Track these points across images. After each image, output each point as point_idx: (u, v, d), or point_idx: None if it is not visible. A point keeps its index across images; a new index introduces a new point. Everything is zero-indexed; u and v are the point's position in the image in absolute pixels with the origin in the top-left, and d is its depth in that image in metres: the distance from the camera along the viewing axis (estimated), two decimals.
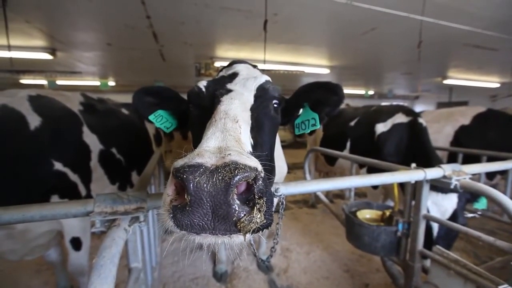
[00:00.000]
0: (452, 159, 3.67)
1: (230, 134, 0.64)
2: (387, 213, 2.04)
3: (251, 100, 0.93)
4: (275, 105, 1.02)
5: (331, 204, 2.91)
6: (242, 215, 0.50)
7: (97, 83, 9.53)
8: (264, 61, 4.82)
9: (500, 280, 1.24)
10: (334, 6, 3.45)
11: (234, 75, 1.05)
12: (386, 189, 2.99)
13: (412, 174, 1.52)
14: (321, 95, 1.08)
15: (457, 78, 9.24)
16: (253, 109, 0.90)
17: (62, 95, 2.18)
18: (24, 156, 1.65)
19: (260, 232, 0.55)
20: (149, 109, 1.09)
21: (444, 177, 1.51)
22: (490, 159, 2.75)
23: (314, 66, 7.49)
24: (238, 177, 0.47)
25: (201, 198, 0.48)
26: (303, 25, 4.53)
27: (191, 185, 0.47)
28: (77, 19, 4.08)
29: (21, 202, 0.93)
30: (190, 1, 3.56)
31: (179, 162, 0.50)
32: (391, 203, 2.58)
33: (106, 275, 0.65)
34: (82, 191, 1.93)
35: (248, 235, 0.52)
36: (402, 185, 2.33)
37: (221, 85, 0.98)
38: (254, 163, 0.52)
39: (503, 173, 3.01)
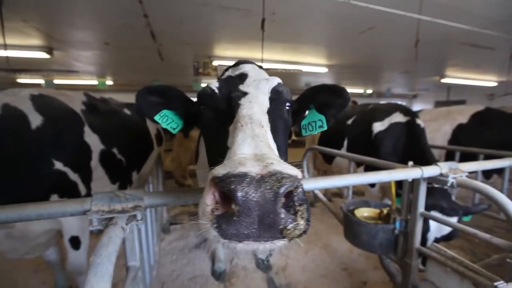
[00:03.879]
0: (450, 157, 3.69)
1: (261, 140, 0.64)
2: (385, 211, 2.05)
3: (266, 103, 0.92)
4: (287, 108, 1.02)
5: (329, 202, 2.92)
6: (288, 223, 0.51)
7: (94, 82, 9.49)
8: (262, 60, 4.83)
9: (496, 277, 1.25)
10: (332, 4, 3.45)
11: (243, 76, 1.03)
12: (383, 188, 3.01)
13: (409, 172, 1.53)
14: (327, 97, 1.10)
15: (454, 77, 9.27)
16: (269, 112, 0.89)
17: (64, 95, 2.18)
18: (25, 155, 1.65)
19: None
20: (153, 108, 1.05)
21: (441, 175, 1.52)
22: (487, 157, 2.76)
23: (312, 65, 7.50)
24: (285, 186, 0.48)
25: (249, 208, 0.48)
26: (301, 24, 4.53)
27: (240, 195, 0.47)
28: (74, 18, 4.06)
29: (20, 201, 0.92)
30: (188, 0, 3.55)
31: (220, 171, 0.50)
32: (388, 202, 2.59)
33: (103, 274, 0.65)
34: (82, 190, 1.94)
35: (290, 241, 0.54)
36: (399, 183, 2.34)
37: (233, 86, 0.96)
38: (295, 172, 0.52)
39: (500, 171, 3.02)
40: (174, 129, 1.10)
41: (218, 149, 0.77)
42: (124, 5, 3.62)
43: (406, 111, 2.99)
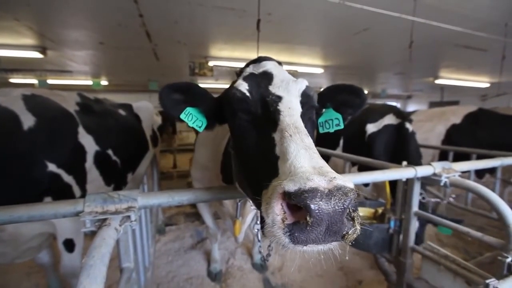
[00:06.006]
0: (443, 157, 3.74)
1: (314, 152, 0.69)
2: (380, 210, 2.07)
3: (299, 108, 0.92)
4: (314, 110, 1.04)
5: None
6: (349, 229, 0.59)
7: (89, 82, 9.39)
8: None
9: (488, 275, 1.27)
10: (327, 6, 3.47)
11: (269, 75, 1.00)
12: (376, 187, 3.03)
13: (403, 172, 1.55)
14: (345, 97, 1.14)
15: (448, 78, 9.38)
16: (301, 116, 0.89)
17: (58, 95, 2.14)
18: (17, 156, 1.61)
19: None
20: (177, 107, 1.01)
21: (434, 174, 1.54)
22: (480, 157, 2.80)
23: (308, 65, 7.52)
24: (350, 199, 0.56)
25: (321, 219, 0.54)
26: (297, 24, 4.54)
27: (314, 208, 0.53)
28: (68, 17, 4.01)
29: (12, 204, 0.90)
30: (183, 0, 3.54)
31: (291, 186, 0.55)
32: (383, 201, 2.62)
33: (95, 275, 0.64)
34: (77, 192, 1.90)
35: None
36: (393, 183, 2.36)
37: (263, 88, 0.94)
38: (352, 184, 0.59)
39: (492, 171, 3.07)
40: (200, 127, 1.07)
41: (259, 155, 0.81)
42: (119, 5, 3.59)
43: (399, 113, 3.04)
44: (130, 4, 3.54)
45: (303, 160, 0.64)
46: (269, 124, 0.82)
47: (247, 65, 1.16)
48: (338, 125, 1.16)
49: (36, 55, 5.51)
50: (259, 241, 1.32)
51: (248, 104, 0.92)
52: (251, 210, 1.72)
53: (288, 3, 3.66)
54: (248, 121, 0.91)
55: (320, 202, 0.53)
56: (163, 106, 0.98)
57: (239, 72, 1.16)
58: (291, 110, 0.86)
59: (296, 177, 0.57)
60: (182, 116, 1.02)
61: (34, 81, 8.31)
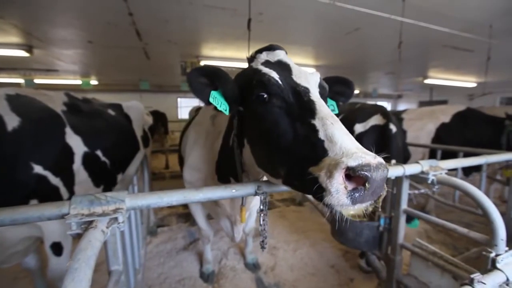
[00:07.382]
0: (433, 155, 3.82)
1: (352, 137, 0.83)
2: (370, 208, 2.09)
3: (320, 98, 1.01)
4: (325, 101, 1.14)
5: (317, 201, 2.96)
6: (383, 191, 0.77)
7: (78, 82, 9.20)
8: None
9: (474, 269, 1.30)
10: (318, 6, 3.50)
11: (286, 65, 1.09)
12: None
13: (392, 170, 1.57)
14: (339, 87, 1.29)
15: (437, 78, 9.59)
16: None
17: (44, 95, 2.08)
18: (1, 158, 1.56)
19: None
20: (204, 90, 1.04)
21: (422, 172, 1.57)
22: (467, 155, 2.87)
23: (300, 65, 7.50)
24: (387, 170, 0.74)
25: (373, 185, 0.71)
26: (288, 24, 4.56)
27: (371, 176, 0.70)
28: (55, 16, 3.92)
29: None
30: None
31: (352, 162, 0.70)
32: None
33: (80, 279, 0.63)
34: (64, 194, 1.85)
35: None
36: None
37: (288, 77, 1.02)
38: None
39: (479, 168, 3.15)
40: (225, 110, 1.09)
41: (299, 138, 0.90)
42: (108, 3, 3.53)
43: (385, 114, 3.10)
44: (119, 3, 3.49)
45: (349, 142, 0.79)
46: (306, 112, 0.92)
47: (259, 51, 1.20)
48: (333, 110, 1.26)
49: (22, 53, 5.36)
50: (261, 224, 1.33)
51: (280, 91, 0.98)
52: (249, 208, 1.72)
53: (279, 3, 3.67)
54: (280, 107, 0.97)
55: (374, 173, 0.70)
56: (192, 90, 1.02)
57: (251, 58, 1.21)
58: (320, 101, 0.97)
59: (353, 156, 0.72)
60: (211, 100, 1.05)
61: (20, 80, 8.11)
